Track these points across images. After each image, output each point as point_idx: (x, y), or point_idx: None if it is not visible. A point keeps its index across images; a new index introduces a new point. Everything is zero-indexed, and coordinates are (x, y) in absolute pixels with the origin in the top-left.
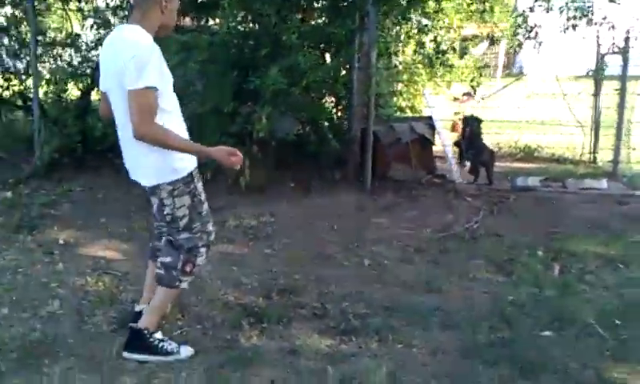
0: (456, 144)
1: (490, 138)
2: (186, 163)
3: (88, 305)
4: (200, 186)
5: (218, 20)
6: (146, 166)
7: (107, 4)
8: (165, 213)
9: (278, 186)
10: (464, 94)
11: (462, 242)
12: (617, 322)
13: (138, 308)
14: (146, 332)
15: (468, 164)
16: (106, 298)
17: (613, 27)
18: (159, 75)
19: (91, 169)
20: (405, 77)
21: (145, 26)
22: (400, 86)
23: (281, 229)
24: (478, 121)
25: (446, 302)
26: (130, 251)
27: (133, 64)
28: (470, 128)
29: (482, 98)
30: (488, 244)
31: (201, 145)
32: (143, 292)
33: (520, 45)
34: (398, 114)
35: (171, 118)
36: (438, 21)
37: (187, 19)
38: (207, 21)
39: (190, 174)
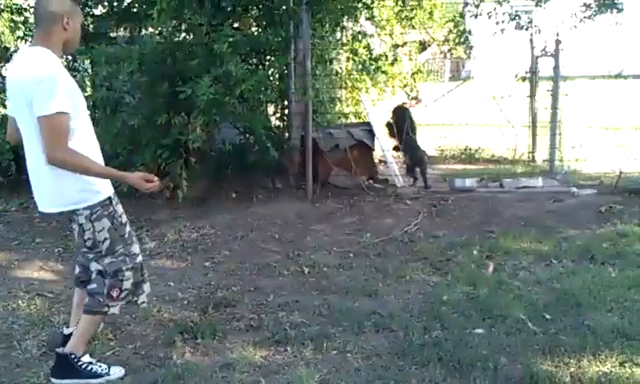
0: (387, 125)
1: (435, 141)
2: (102, 186)
3: (18, 328)
4: (120, 208)
5: (150, 29)
6: (62, 191)
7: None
8: (85, 238)
9: (219, 197)
10: (411, 99)
11: (401, 245)
12: (547, 316)
13: (67, 331)
14: (73, 357)
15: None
16: (38, 321)
17: (539, 31)
18: (69, 98)
19: (26, 189)
20: (348, 83)
21: (49, 46)
22: (343, 93)
23: (221, 241)
24: (407, 110)
25: (381, 305)
26: (64, 272)
27: (41, 90)
28: (399, 118)
29: (426, 105)
30: (425, 246)
31: (115, 170)
32: (72, 314)
33: (450, 50)
34: (343, 120)
35: (84, 138)
36: (378, 27)
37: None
38: (140, 31)
39: (108, 198)
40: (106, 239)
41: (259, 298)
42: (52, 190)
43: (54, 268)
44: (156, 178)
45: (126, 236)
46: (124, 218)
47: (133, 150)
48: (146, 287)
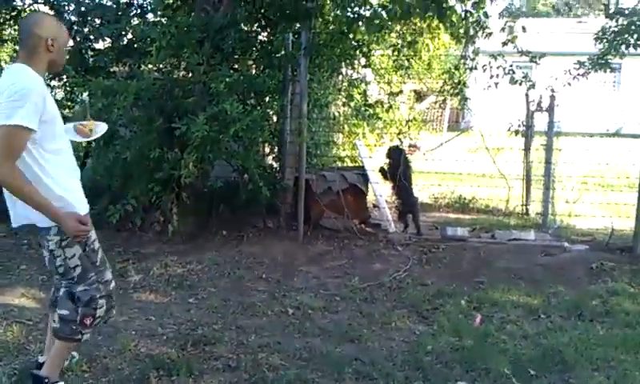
0: (380, 171)
1: (430, 189)
2: (74, 211)
3: None
4: (93, 234)
5: (150, 66)
6: (28, 208)
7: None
8: (56, 264)
9: (209, 234)
10: (410, 146)
11: (388, 291)
12: (532, 372)
13: (41, 359)
14: (47, 381)
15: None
16: (13, 349)
17: (533, 86)
18: (37, 116)
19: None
20: (345, 127)
21: (31, 64)
22: (339, 137)
23: (207, 277)
24: (402, 151)
25: (364, 351)
26: (45, 299)
27: (10, 99)
28: (394, 158)
29: (424, 153)
30: (413, 293)
31: (52, 205)
32: (46, 340)
33: (444, 101)
34: (339, 164)
35: (58, 159)
36: (377, 75)
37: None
38: (139, 67)
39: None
40: (77, 266)
41: (240, 338)
42: (20, 204)
43: (35, 295)
44: (89, 223)
45: (98, 263)
46: (96, 245)
47: (125, 183)
48: (114, 312)
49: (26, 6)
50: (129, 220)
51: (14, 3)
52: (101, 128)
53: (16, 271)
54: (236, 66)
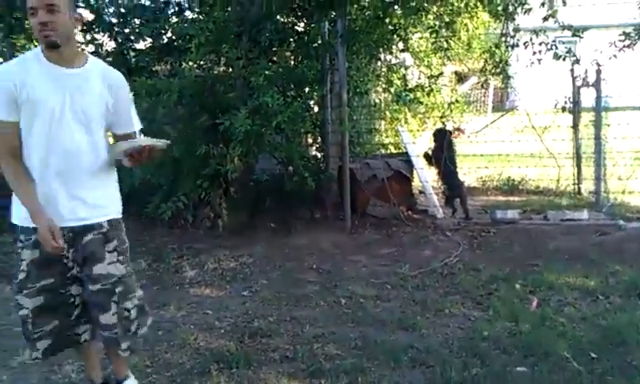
0: (425, 156)
1: (477, 172)
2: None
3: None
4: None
5: (190, 63)
6: (111, 195)
7: (83, 50)
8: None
9: (257, 227)
10: (454, 129)
11: (440, 277)
12: (592, 355)
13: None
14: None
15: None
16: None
17: (577, 61)
18: (7, 106)
19: None
20: (387, 114)
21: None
22: (382, 124)
23: (259, 270)
24: (447, 134)
25: (419, 339)
26: None
27: None
28: (439, 141)
29: (469, 136)
30: (466, 279)
31: (36, 207)
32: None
33: (487, 81)
34: (382, 151)
35: (38, 149)
36: (416, 59)
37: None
38: (180, 64)
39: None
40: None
41: (295, 329)
42: (102, 194)
43: None
44: (61, 242)
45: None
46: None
47: (175, 180)
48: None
49: None
50: (181, 217)
51: None
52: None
53: None
54: (274, 59)
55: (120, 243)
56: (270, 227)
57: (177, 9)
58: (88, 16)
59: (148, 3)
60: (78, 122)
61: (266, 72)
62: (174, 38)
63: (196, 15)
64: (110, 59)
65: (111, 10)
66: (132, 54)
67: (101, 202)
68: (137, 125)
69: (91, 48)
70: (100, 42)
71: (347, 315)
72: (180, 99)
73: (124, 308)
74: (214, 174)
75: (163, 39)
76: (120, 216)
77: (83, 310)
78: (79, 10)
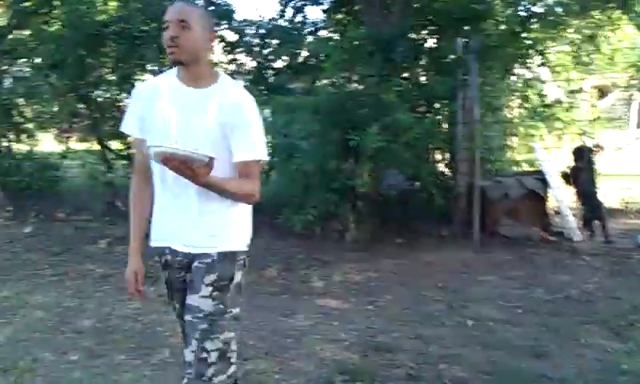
0: (563, 176)
1: (619, 193)
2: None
3: None
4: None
5: (324, 81)
6: (229, 225)
7: (226, 69)
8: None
9: (384, 242)
10: (594, 146)
11: (576, 304)
12: None
13: None
14: None
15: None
16: None
17: None
18: (132, 120)
19: None
20: (520, 130)
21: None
22: (514, 140)
23: (384, 285)
24: (587, 152)
25: (553, 368)
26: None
27: None
28: (579, 160)
29: (610, 154)
30: (604, 307)
31: (133, 243)
32: None
33: (631, 96)
34: (514, 168)
35: (156, 169)
36: (553, 73)
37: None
38: (315, 82)
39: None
40: None
41: (420, 347)
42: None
43: None
44: (141, 289)
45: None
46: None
47: (305, 193)
48: None
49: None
50: (310, 228)
51: None
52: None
53: None
54: (405, 75)
55: (220, 278)
56: (396, 242)
57: (312, 29)
58: (231, 37)
59: (285, 24)
60: (190, 143)
61: (398, 88)
62: (309, 56)
63: (329, 34)
64: (250, 78)
65: (252, 31)
66: (270, 72)
67: (215, 230)
68: (258, 153)
69: (233, 67)
70: (241, 61)
71: (475, 337)
72: (314, 116)
73: (203, 347)
74: (344, 188)
75: (299, 58)
76: (237, 249)
77: None
78: (224, 32)
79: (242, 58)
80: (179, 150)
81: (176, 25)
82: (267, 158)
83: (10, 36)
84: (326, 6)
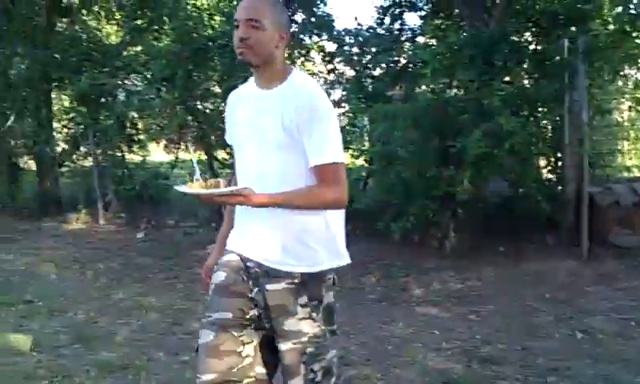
0: None
1: None
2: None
3: None
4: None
5: (423, 87)
6: (314, 241)
7: (325, 79)
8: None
9: (486, 250)
10: None
11: None
12: None
13: None
14: None
15: None
16: None
17: None
18: (227, 128)
19: None
20: (631, 134)
21: None
22: (625, 145)
23: (487, 294)
24: None
25: None
26: (340, 309)
27: None
28: None
29: None
30: None
31: (217, 240)
32: None
33: None
34: (625, 174)
35: (237, 174)
36: None
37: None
38: (413, 89)
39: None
40: None
41: (527, 359)
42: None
43: None
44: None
45: None
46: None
47: (404, 200)
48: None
49: (314, 43)
50: (409, 236)
51: (304, 42)
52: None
53: None
54: (507, 79)
55: (311, 299)
56: (499, 251)
57: (410, 35)
58: (330, 47)
59: (382, 32)
60: (262, 146)
61: (500, 93)
62: (407, 63)
63: (427, 40)
64: (349, 86)
65: (350, 40)
66: (369, 81)
67: (296, 247)
68: (332, 155)
69: (332, 77)
70: (341, 71)
71: (584, 350)
72: (413, 123)
73: (311, 369)
74: (444, 196)
75: (397, 65)
76: (323, 268)
77: (249, 366)
78: (324, 43)
79: (340, 67)
80: (200, 191)
81: (246, 24)
82: (343, 160)
83: (125, 52)
84: (423, 12)
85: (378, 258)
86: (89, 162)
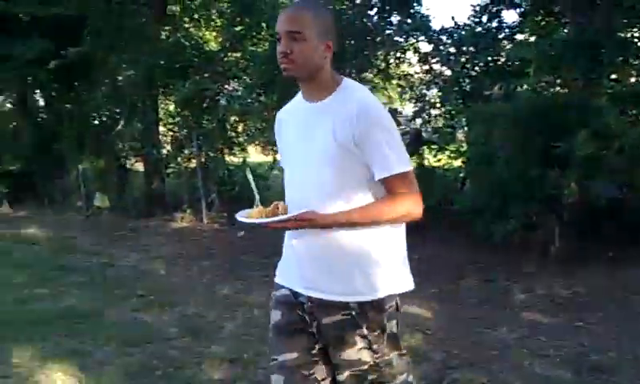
0: None
1: None
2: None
3: None
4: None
5: (525, 86)
6: (369, 267)
7: (421, 79)
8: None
9: (593, 255)
10: None
11: None
12: None
13: None
14: None
15: None
16: (418, 355)
17: None
18: (280, 153)
19: (407, 231)
20: None
21: None
22: None
23: (595, 301)
24: None
25: None
26: (439, 311)
27: None
28: None
29: None
30: None
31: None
32: None
33: None
34: None
35: (285, 196)
36: None
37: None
38: (514, 88)
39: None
40: None
41: None
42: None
43: (429, 307)
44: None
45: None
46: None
47: (504, 202)
48: None
49: (409, 44)
50: (510, 239)
51: (400, 43)
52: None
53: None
54: (614, 76)
55: (371, 329)
56: (608, 256)
57: (508, 33)
58: (425, 47)
59: (479, 30)
60: (314, 162)
61: (608, 91)
62: (506, 62)
63: (526, 38)
64: (446, 87)
65: (447, 39)
66: (467, 80)
67: (351, 274)
68: (397, 165)
69: (427, 77)
70: (438, 71)
71: None
72: (514, 122)
73: None
74: (547, 198)
75: (496, 64)
76: (382, 296)
77: None
78: (420, 44)
79: (437, 67)
80: (261, 221)
81: (287, 37)
82: (411, 167)
83: (225, 58)
84: (523, 9)
85: (476, 261)
86: (193, 164)
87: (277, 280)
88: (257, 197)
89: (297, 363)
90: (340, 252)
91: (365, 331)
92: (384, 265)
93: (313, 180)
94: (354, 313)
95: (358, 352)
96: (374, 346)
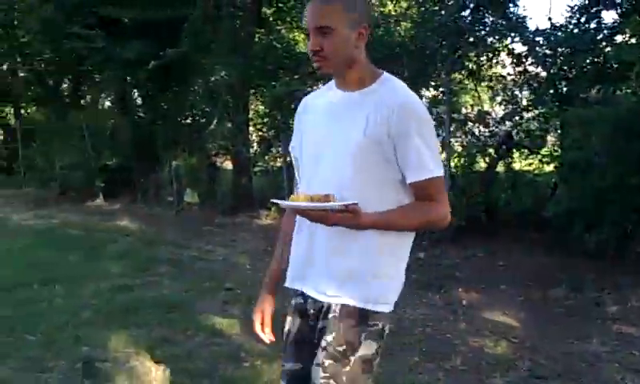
0: None
1: None
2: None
3: (486, 366)
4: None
5: (627, 90)
6: (366, 272)
7: (515, 81)
8: None
9: None
10: None
11: None
12: None
13: None
14: None
15: None
16: (503, 362)
17: None
18: (295, 136)
19: (493, 236)
20: None
21: None
22: None
23: None
24: None
25: None
26: (525, 320)
27: None
28: None
29: None
30: None
31: (268, 276)
32: None
33: None
34: None
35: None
36: None
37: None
38: (614, 91)
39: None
40: None
41: None
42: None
43: (515, 315)
44: (267, 336)
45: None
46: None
47: (599, 211)
48: None
49: (503, 45)
50: (604, 248)
51: (493, 44)
52: None
53: (495, 289)
54: None
55: (338, 343)
56: None
57: (607, 34)
58: (519, 48)
59: (576, 31)
60: (336, 159)
61: None
62: (606, 64)
63: (627, 39)
64: (541, 89)
65: (543, 41)
66: (563, 83)
67: (347, 277)
68: (431, 170)
69: (520, 79)
70: (533, 72)
71: None
72: (614, 128)
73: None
74: None
75: (595, 66)
76: (369, 307)
77: None
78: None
79: (532, 69)
80: (309, 205)
81: (316, 33)
82: (442, 174)
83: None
84: (623, 9)
85: (567, 270)
86: (279, 163)
87: (289, 285)
88: (299, 181)
89: (300, 374)
90: (345, 249)
91: (330, 338)
92: (383, 275)
93: (330, 174)
94: (331, 316)
95: (314, 367)
96: (328, 363)
